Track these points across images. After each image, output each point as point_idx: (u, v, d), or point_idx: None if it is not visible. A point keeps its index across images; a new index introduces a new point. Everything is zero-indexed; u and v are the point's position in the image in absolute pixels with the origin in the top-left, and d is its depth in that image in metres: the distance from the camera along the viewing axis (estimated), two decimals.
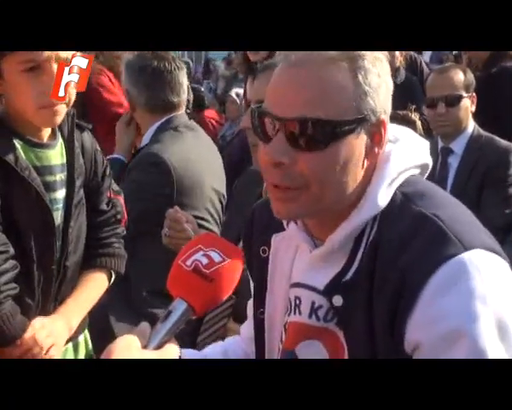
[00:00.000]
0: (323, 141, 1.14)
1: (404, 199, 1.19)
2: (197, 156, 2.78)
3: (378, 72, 1.18)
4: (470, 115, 3.26)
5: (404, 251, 1.12)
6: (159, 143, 2.71)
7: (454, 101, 3.19)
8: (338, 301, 1.20)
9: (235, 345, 1.53)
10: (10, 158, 1.71)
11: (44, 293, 1.84)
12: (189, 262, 1.14)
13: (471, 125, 3.26)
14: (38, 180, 1.76)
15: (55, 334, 1.82)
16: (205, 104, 7.22)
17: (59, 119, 1.78)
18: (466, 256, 1.09)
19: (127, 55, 2.85)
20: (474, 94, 3.24)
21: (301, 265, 1.31)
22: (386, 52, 1.23)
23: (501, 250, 1.17)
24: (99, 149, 2.04)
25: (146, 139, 2.80)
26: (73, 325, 1.91)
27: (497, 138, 3.24)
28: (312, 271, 1.27)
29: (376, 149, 1.20)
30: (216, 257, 1.15)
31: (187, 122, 2.85)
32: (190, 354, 1.37)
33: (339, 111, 1.14)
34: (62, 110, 1.77)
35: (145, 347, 1.07)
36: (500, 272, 1.13)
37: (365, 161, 1.19)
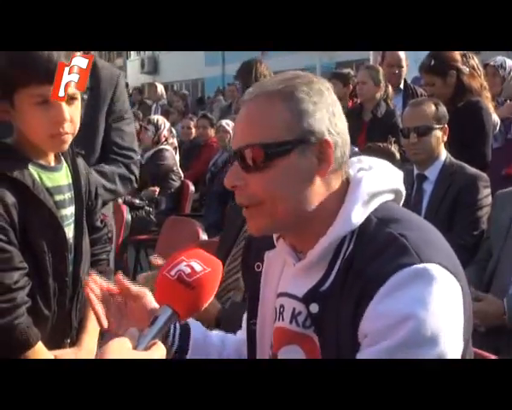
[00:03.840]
0: (263, 161, 1.25)
1: (379, 222, 1.27)
2: None
3: (314, 100, 1.28)
4: (442, 145, 3.34)
5: (371, 264, 1.20)
6: None
7: (425, 131, 3.28)
8: (314, 308, 1.27)
9: (232, 338, 1.59)
10: (28, 182, 1.77)
11: (60, 303, 1.89)
12: (173, 272, 1.18)
13: (443, 154, 3.34)
14: (51, 201, 1.82)
15: None
16: None
17: (66, 146, 1.83)
18: (420, 266, 1.17)
19: None
20: (445, 126, 3.32)
21: (287, 277, 1.38)
22: (328, 85, 1.33)
23: (458, 272, 1.23)
24: (91, 171, 2.11)
25: None
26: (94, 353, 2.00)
27: (467, 166, 3.32)
28: (295, 281, 1.34)
29: (325, 166, 1.28)
30: (197, 267, 1.19)
31: None
32: (196, 327, 1.48)
33: (272, 135, 1.25)
34: (69, 139, 1.82)
35: (135, 348, 1.11)
36: (448, 289, 1.19)
37: (316, 177, 1.28)
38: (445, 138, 3.32)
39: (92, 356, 1.98)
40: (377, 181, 1.31)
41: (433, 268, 1.17)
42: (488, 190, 3.24)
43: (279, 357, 1.35)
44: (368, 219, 1.27)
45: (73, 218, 1.92)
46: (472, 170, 3.29)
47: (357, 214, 1.26)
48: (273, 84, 1.29)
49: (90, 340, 2.00)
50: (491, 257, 2.92)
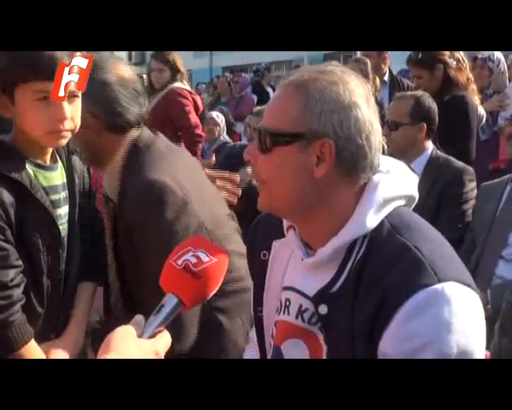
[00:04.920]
0: (268, 145, 1.30)
1: (392, 228, 1.26)
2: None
3: (326, 99, 1.27)
4: (427, 139, 3.33)
5: (387, 274, 1.20)
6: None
7: (394, 126, 3.31)
8: (323, 309, 1.28)
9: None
10: (26, 181, 1.77)
11: (51, 300, 1.91)
12: (179, 262, 1.20)
13: (430, 148, 3.35)
14: (48, 201, 1.84)
15: None
16: None
17: (64, 141, 1.83)
18: (439, 287, 1.17)
19: None
20: (423, 124, 3.29)
21: (294, 270, 1.40)
22: (360, 85, 1.30)
23: (470, 281, 1.23)
24: (85, 169, 2.11)
25: None
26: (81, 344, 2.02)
27: (453, 160, 3.33)
28: (303, 277, 1.36)
29: (323, 166, 1.27)
30: (204, 257, 1.20)
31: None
32: None
33: (281, 124, 1.29)
34: (68, 135, 1.81)
35: (140, 336, 1.12)
36: (468, 305, 1.19)
37: (315, 174, 1.27)
38: (422, 136, 3.30)
39: (79, 346, 1.99)
40: (394, 186, 1.31)
41: (451, 287, 1.18)
42: (473, 184, 3.27)
43: (282, 349, 1.37)
44: (381, 224, 1.27)
45: (67, 217, 1.93)
46: (458, 163, 3.30)
47: (372, 218, 1.27)
48: (300, 76, 1.31)
49: (79, 331, 2.01)
50: (475, 248, 2.96)
